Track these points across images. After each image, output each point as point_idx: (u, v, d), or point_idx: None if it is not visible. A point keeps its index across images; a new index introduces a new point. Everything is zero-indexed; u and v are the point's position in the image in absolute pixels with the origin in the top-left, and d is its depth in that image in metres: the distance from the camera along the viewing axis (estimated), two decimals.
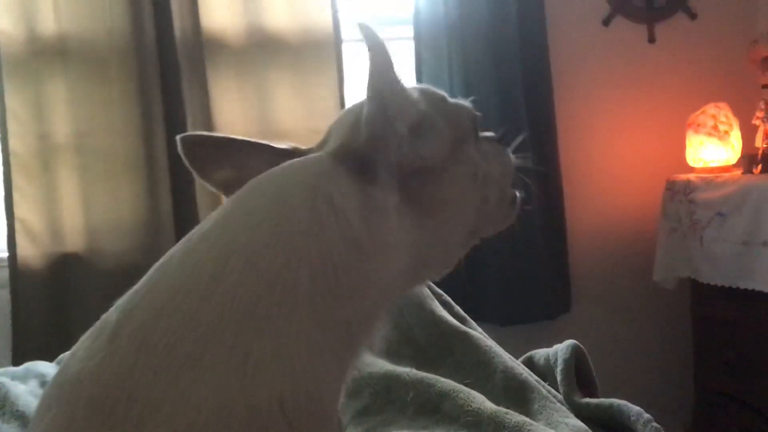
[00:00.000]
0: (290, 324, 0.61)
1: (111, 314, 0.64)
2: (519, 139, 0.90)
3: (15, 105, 2.34)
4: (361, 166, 0.67)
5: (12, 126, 2.33)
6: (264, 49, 2.49)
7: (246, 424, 0.57)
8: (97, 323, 0.65)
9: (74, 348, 0.65)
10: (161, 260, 0.66)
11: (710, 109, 2.55)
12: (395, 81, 0.69)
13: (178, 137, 0.78)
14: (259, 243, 0.63)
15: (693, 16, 2.87)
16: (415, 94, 0.73)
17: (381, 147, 0.68)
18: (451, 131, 0.75)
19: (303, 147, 0.80)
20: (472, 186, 0.77)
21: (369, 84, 0.67)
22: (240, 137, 0.79)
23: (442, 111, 0.76)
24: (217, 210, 0.69)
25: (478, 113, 0.81)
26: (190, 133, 0.79)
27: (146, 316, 0.61)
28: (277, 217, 0.65)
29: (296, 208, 0.65)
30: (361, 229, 0.65)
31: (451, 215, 0.74)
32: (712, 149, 2.55)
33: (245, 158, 0.79)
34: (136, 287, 0.65)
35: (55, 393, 0.63)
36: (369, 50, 0.66)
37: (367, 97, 0.67)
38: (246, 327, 0.60)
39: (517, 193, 0.85)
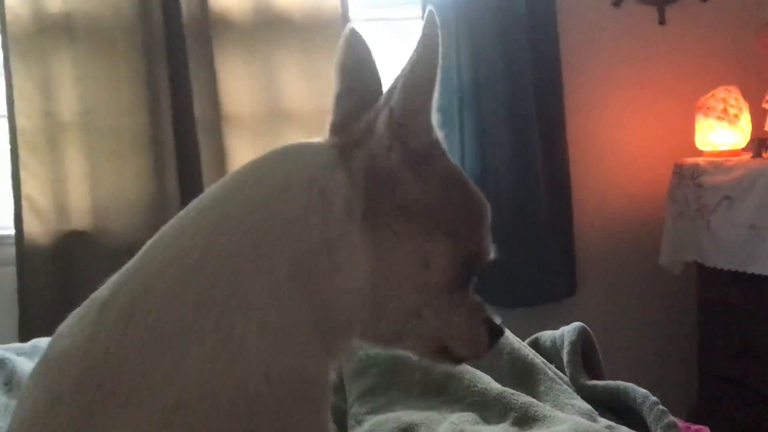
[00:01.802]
0: (273, 301, 0.62)
1: (101, 291, 0.65)
2: None
3: (22, 83, 2.33)
4: (349, 149, 0.67)
5: (19, 104, 2.32)
6: (271, 28, 2.48)
7: (233, 399, 0.58)
8: (86, 301, 0.65)
9: (62, 325, 0.65)
10: (153, 239, 0.67)
11: (720, 92, 2.53)
12: (425, 85, 0.66)
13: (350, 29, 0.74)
14: (249, 229, 0.64)
15: None
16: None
17: (371, 130, 0.67)
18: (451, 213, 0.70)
19: None
20: (419, 274, 0.68)
21: (403, 69, 0.65)
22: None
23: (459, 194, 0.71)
24: (216, 186, 0.69)
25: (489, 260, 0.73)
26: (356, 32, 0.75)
27: (135, 293, 0.62)
28: (271, 207, 0.65)
29: (290, 200, 0.65)
30: (336, 230, 0.65)
31: (391, 281, 0.67)
32: (722, 133, 2.54)
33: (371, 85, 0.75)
34: (127, 265, 0.66)
35: (41, 370, 0.63)
36: (421, 39, 0.64)
37: (390, 87, 0.66)
38: (232, 304, 0.61)
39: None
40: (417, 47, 0.65)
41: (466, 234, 0.70)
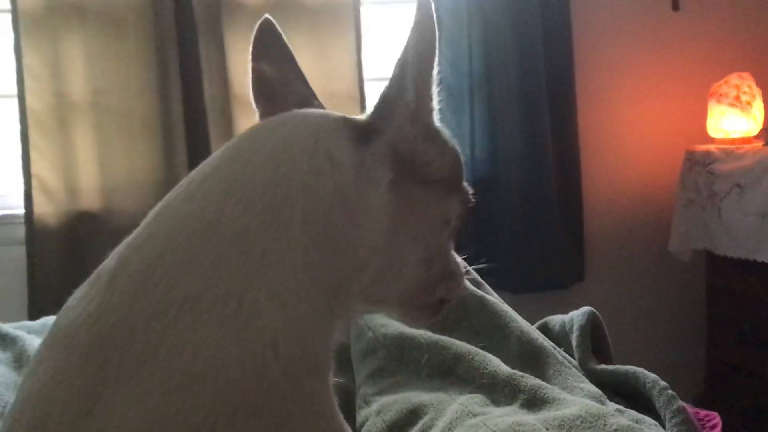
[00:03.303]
0: (282, 270, 0.61)
1: (108, 263, 0.64)
2: None
3: (32, 62, 2.33)
4: (363, 131, 0.68)
5: (29, 83, 2.32)
6: (282, 11, 2.47)
7: (241, 369, 0.57)
8: (93, 274, 0.64)
9: (69, 299, 0.64)
10: (157, 208, 0.66)
11: (733, 78, 2.51)
12: (429, 70, 0.68)
13: (266, 15, 0.79)
14: (258, 186, 0.64)
15: None
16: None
17: (387, 119, 0.68)
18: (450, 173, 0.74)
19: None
20: (440, 229, 0.74)
21: (404, 57, 0.67)
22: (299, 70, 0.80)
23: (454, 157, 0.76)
24: (218, 153, 0.69)
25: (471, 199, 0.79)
26: (273, 23, 0.80)
27: (144, 262, 0.61)
28: (278, 162, 0.65)
29: (297, 156, 0.65)
30: (351, 189, 0.66)
31: (414, 236, 0.72)
32: (734, 120, 2.52)
33: (292, 80, 0.80)
34: (132, 236, 0.65)
35: (49, 343, 0.62)
36: (416, 25, 0.66)
37: (392, 74, 0.68)
38: (241, 271, 0.60)
39: (446, 301, 0.80)
40: (415, 34, 0.66)
41: (461, 185, 0.77)
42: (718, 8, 2.83)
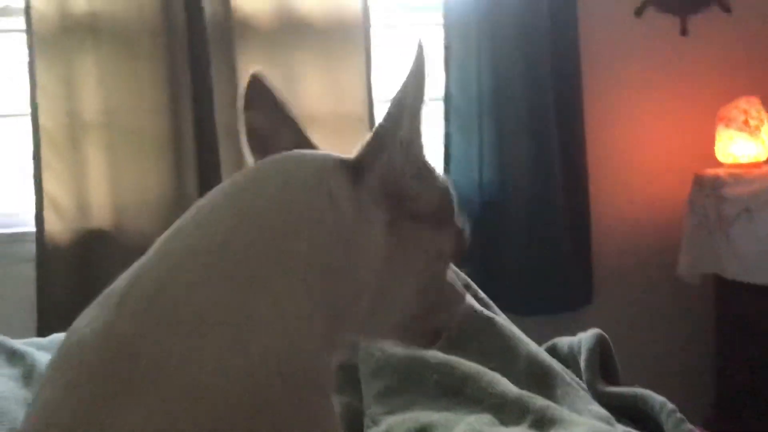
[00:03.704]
0: (286, 294, 0.64)
1: (117, 284, 0.66)
2: None
3: (45, 81, 2.35)
4: (355, 168, 0.71)
5: (42, 102, 2.35)
6: (293, 32, 2.50)
7: (245, 383, 0.59)
8: (102, 294, 0.66)
9: (78, 318, 0.66)
10: (167, 234, 0.69)
11: (741, 103, 2.52)
12: (422, 109, 0.72)
13: (254, 73, 0.82)
14: (267, 217, 0.67)
15: (727, 9, 2.82)
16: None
17: (378, 154, 0.71)
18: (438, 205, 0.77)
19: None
20: (434, 262, 0.77)
21: (402, 96, 0.71)
22: (293, 114, 0.83)
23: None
24: (226, 184, 0.72)
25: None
26: (263, 76, 0.82)
27: (154, 282, 0.63)
28: (285, 199, 0.69)
29: (301, 194, 0.69)
30: (349, 227, 0.69)
31: (408, 269, 0.74)
32: (742, 144, 2.52)
33: (284, 127, 0.82)
34: (141, 260, 0.67)
35: (57, 361, 0.64)
36: (415, 69, 0.70)
37: (388, 112, 0.71)
38: (248, 293, 0.63)
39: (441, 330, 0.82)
40: (413, 77, 0.70)
41: (453, 220, 0.79)
42: (726, 33, 2.84)
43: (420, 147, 0.74)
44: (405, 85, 0.70)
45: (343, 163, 0.72)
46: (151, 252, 0.67)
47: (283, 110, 0.83)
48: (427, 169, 0.75)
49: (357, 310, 0.71)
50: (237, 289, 0.63)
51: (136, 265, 0.67)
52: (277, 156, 0.74)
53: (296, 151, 0.76)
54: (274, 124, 0.82)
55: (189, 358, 0.59)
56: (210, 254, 0.64)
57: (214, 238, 0.65)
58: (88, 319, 0.64)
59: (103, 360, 0.60)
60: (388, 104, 0.71)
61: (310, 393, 0.63)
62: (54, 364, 0.64)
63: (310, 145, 0.81)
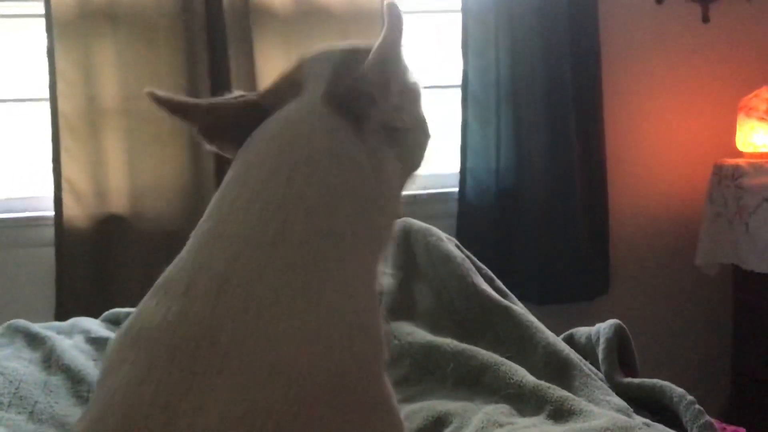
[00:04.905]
0: (346, 266, 0.69)
1: (173, 274, 0.68)
2: None
3: (65, 66, 2.36)
4: (357, 118, 0.77)
5: (61, 87, 2.36)
6: (311, 19, 2.49)
7: (324, 358, 0.62)
8: (156, 286, 0.68)
9: (138, 308, 0.68)
10: (207, 225, 0.71)
11: (763, 92, 2.49)
12: (400, 50, 0.81)
13: (148, 92, 0.86)
14: (306, 200, 0.71)
15: None
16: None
17: (374, 103, 0.78)
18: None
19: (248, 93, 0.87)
20: (425, 141, 0.89)
21: (380, 48, 0.78)
22: (200, 100, 0.88)
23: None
24: (238, 170, 0.75)
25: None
26: (156, 92, 0.86)
27: (219, 269, 0.66)
28: (319, 183, 0.73)
29: (328, 168, 0.74)
30: (373, 182, 0.76)
31: (412, 156, 0.87)
32: (763, 134, 2.50)
33: (213, 115, 0.86)
34: (194, 248, 0.70)
35: (129, 347, 0.65)
36: (389, 21, 0.79)
37: (373, 56, 0.78)
38: (314, 271, 0.67)
39: None
40: (388, 22, 0.80)
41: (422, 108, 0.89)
42: (749, 21, 2.81)
43: (402, 69, 0.83)
44: (385, 38, 0.79)
45: (337, 111, 0.77)
46: (199, 240, 0.70)
47: (188, 104, 0.87)
48: (404, 85, 0.83)
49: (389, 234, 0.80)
50: (298, 272, 0.66)
51: (187, 256, 0.69)
52: (273, 133, 0.77)
53: (286, 119, 0.78)
54: (206, 119, 0.86)
55: (268, 338, 0.62)
56: (266, 245, 0.67)
57: (266, 228, 0.68)
58: (150, 309, 0.66)
59: (179, 345, 0.62)
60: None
61: (377, 366, 0.67)
62: (122, 349, 0.66)
63: (253, 106, 0.83)
